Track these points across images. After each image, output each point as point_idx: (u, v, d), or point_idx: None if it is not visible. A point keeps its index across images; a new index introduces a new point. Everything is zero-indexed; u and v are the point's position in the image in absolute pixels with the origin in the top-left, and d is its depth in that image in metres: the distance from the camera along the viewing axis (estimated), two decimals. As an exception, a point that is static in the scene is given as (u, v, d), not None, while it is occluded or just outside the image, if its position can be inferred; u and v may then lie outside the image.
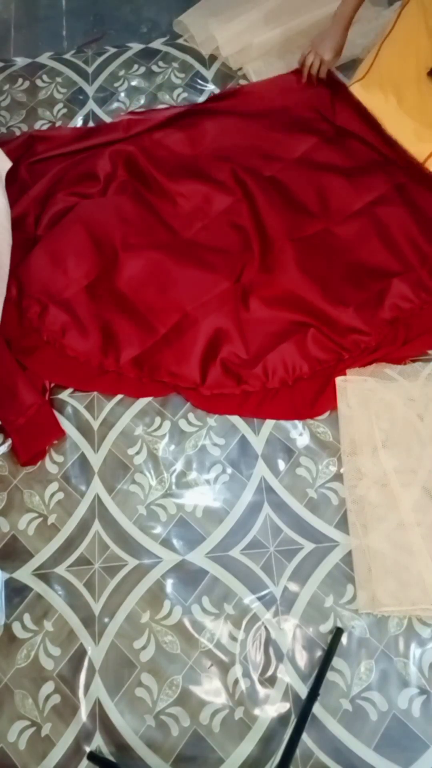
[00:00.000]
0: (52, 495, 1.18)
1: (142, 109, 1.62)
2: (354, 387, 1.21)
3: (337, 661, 1.01)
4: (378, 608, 1.03)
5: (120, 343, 1.27)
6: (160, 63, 1.71)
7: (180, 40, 1.74)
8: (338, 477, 1.16)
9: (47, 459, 1.21)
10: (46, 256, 1.35)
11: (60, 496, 1.18)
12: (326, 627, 1.04)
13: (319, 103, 1.54)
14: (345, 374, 1.23)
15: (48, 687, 1.03)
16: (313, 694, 0.96)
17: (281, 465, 1.18)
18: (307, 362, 1.23)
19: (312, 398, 1.22)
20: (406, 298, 1.28)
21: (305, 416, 1.21)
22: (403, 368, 1.23)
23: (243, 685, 1.01)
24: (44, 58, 1.75)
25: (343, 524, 1.11)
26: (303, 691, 1.00)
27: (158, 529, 1.14)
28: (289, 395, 1.23)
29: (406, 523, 1.07)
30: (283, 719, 0.99)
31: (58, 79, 1.71)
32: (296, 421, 1.21)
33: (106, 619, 1.07)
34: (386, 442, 1.15)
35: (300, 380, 1.24)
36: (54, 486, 1.19)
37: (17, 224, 1.41)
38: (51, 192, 1.46)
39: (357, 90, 1.46)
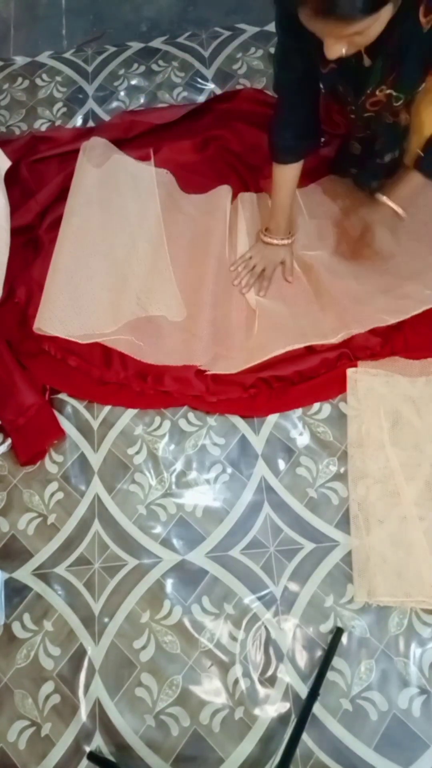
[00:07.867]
0: (52, 495, 1.18)
1: (141, 108, 1.62)
2: (364, 380, 1.21)
3: (337, 661, 1.01)
4: (374, 598, 1.03)
5: (124, 359, 1.26)
6: (160, 62, 1.71)
7: (180, 39, 1.74)
8: (338, 476, 1.16)
9: (47, 459, 1.21)
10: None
11: (60, 495, 1.18)
12: (326, 627, 1.04)
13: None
14: (356, 365, 1.23)
15: (48, 687, 1.03)
16: (314, 694, 0.96)
17: (281, 465, 1.18)
18: (313, 362, 1.23)
19: (320, 385, 1.22)
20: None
21: (317, 400, 1.22)
22: (410, 365, 1.23)
23: (243, 685, 1.01)
24: (44, 57, 1.75)
25: (343, 524, 1.11)
26: (303, 691, 1.00)
27: (158, 529, 1.14)
28: (297, 388, 1.23)
29: (409, 517, 1.07)
30: (283, 719, 0.99)
31: (58, 78, 1.71)
32: (296, 421, 1.21)
33: (106, 619, 1.07)
34: (392, 436, 1.15)
35: (306, 378, 1.23)
36: (54, 486, 1.19)
37: (22, 227, 1.41)
38: (60, 197, 1.45)
39: None
